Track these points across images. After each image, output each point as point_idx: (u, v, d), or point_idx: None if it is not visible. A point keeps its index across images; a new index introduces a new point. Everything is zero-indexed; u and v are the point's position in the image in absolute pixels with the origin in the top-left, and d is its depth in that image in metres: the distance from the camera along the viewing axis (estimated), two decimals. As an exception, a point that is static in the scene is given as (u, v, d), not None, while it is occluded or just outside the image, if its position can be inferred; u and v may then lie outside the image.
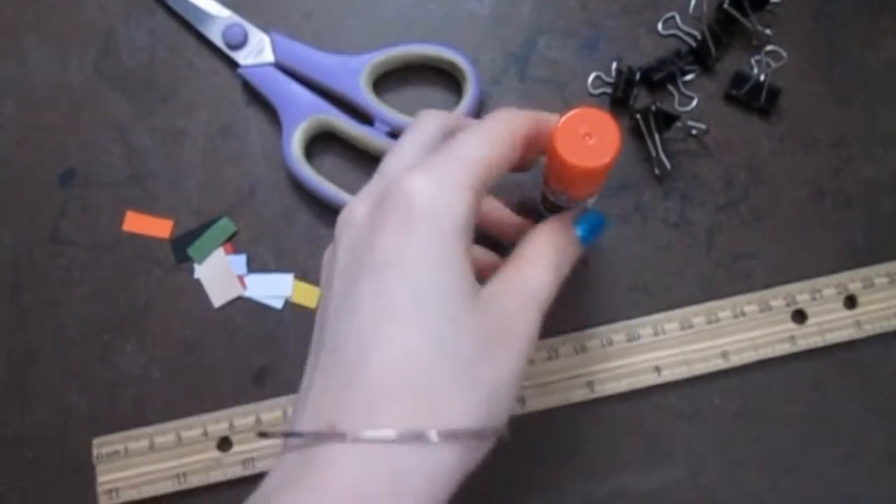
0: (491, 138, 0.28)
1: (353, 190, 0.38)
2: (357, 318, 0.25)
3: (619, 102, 0.40)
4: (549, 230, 0.30)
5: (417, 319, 0.25)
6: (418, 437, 0.23)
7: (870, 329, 0.37)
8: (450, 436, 0.24)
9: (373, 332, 0.25)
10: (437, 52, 0.39)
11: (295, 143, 0.39)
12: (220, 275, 0.39)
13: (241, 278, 0.39)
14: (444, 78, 0.41)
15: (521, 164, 0.30)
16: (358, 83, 0.39)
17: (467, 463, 0.25)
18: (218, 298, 0.39)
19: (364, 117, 0.39)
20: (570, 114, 0.28)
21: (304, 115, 0.39)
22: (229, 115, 0.41)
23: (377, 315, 0.25)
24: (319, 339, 0.27)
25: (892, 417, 0.37)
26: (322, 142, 0.40)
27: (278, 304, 0.39)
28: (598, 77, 0.40)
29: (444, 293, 0.25)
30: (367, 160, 0.40)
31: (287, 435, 0.25)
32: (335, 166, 0.40)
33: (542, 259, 0.29)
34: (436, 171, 0.27)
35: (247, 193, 0.40)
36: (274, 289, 0.39)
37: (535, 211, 0.36)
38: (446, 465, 0.24)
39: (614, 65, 0.40)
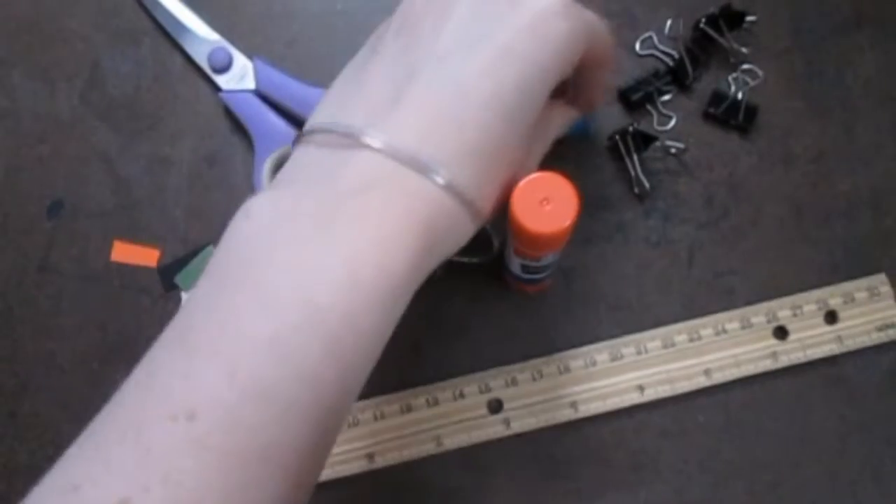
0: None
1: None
2: (474, 52, 0.27)
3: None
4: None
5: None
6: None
7: (851, 344, 0.37)
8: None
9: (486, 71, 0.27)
10: None
11: (265, 172, 0.39)
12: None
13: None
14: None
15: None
16: None
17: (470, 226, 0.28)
18: None
19: None
20: (527, 178, 0.29)
21: (277, 145, 0.39)
22: (214, 142, 0.41)
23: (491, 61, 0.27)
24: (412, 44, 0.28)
25: (874, 432, 0.37)
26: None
27: None
28: (576, 99, 0.40)
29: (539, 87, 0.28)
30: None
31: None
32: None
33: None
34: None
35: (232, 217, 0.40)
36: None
37: None
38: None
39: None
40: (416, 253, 0.26)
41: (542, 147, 0.33)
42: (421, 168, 0.26)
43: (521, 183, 0.29)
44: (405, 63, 0.28)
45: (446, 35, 0.28)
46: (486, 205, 0.28)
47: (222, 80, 0.41)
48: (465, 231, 0.28)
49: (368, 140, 0.26)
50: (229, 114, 0.41)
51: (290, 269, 0.24)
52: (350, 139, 0.27)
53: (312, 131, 0.28)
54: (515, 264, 0.34)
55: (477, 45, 0.27)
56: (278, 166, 0.40)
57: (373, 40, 0.31)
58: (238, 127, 0.41)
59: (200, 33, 0.42)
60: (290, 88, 0.40)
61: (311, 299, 0.24)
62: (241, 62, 0.41)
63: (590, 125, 0.40)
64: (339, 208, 0.26)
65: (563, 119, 0.34)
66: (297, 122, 0.40)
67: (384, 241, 0.25)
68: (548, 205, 0.29)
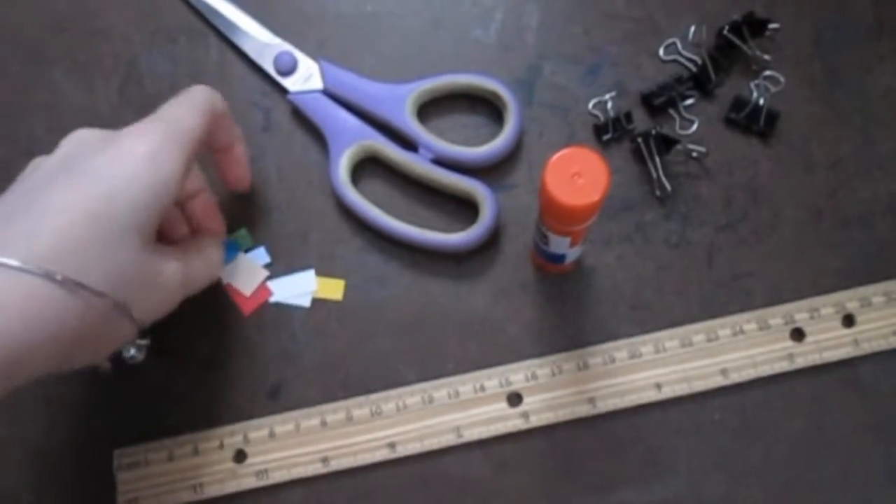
0: (201, 110, 0.35)
1: (397, 213, 0.40)
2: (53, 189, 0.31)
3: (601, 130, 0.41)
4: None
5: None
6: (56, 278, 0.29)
7: (867, 347, 0.38)
8: (77, 286, 0.29)
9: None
10: (480, 82, 0.41)
11: (342, 168, 0.40)
12: (244, 268, 0.41)
13: (265, 285, 0.41)
14: (486, 106, 0.42)
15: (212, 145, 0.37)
16: (403, 110, 0.40)
17: (88, 321, 0.30)
18: (247, 287, 0.40)
19: (408, 143, 0.41)
20: (560, 152, 0.29)
21: (351, 141, 0.41)
22: (246, 139, 0.42)
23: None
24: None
25: (889, 434, 0.37)
26: (367, 166, 0.42)
27: (306, 303, 0.40)
28: (598, 102, 0.41)
29: (130, 207, 0.31)
30: (411, 185, 0.41)
31: None
32: (380, 190, 0.42)
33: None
34: (157, 136, 0.33)
35: (262, 213, 0.42)
36: (299, 287, 0.40)
37: None
38: (71, 308, 0.29)
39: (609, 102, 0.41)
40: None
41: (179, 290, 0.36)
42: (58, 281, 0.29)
43: (554, 157, 0.29)
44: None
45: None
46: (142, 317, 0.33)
47: (288, 83, 0.42)
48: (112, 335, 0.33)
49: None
50: (260, 112, 0.42)
51: None
52: None
53: None
54: (542, 239, 0.35)
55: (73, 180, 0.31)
56: (353, 162, 0.41)
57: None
58: (269, 125, 0.42)
59: (263, 39, 0.43)
60: (359, 86, 0.41)
61: None
62: (305, 64, 0.42)
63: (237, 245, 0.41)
64: None
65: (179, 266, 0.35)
66: (366, 117, 0.41)
67: None
68: (580, 178, 0.29)
